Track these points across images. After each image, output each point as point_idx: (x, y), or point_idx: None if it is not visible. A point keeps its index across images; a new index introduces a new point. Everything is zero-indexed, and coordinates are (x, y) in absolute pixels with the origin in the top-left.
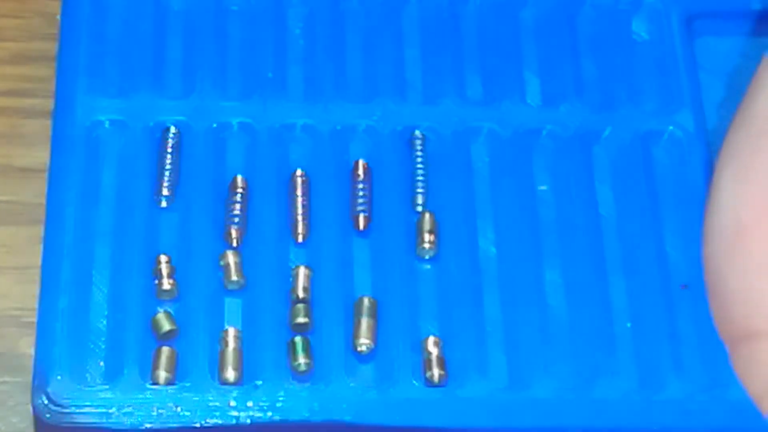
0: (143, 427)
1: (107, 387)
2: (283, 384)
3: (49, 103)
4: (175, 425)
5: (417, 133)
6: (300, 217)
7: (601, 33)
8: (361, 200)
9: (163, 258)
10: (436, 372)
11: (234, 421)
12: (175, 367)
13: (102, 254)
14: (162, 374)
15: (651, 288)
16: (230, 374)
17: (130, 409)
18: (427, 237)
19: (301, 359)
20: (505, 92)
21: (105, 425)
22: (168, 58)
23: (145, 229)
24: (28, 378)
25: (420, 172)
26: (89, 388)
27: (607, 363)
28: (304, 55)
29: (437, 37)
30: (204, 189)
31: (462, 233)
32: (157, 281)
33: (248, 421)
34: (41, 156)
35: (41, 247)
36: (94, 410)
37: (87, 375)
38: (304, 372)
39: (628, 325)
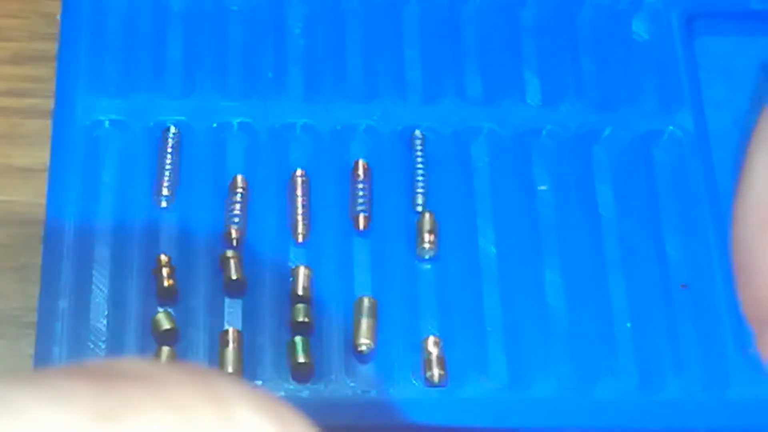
0: None
1: None
2: (283, 384)
3: (50, 103)
4: None
5: (417, 133)
6: (300, 217)
7: (601, 33)
8: (361, 200)
9: (164, 258)
10: (436, 372)
11: None
12: None
13: (102, 254)
14: None
15: (651, 288)
16: (230, 374)
17: None
18: (427, 237)
19: (301, 359)
20: (505, 92)
21: None
22: (168, 58)
23: (145, 229)
24: None
25: (420, 172)
26: None
27: (607, 363)
28: (304, 55)
29: (437, 37)
30: (204, 189)
31: (462, 233)
32: (157, 281)
33: None
34: (41, 156)
35: (41, 247)
36: None
37: None
38: (304, 372)
39: (628, 325)
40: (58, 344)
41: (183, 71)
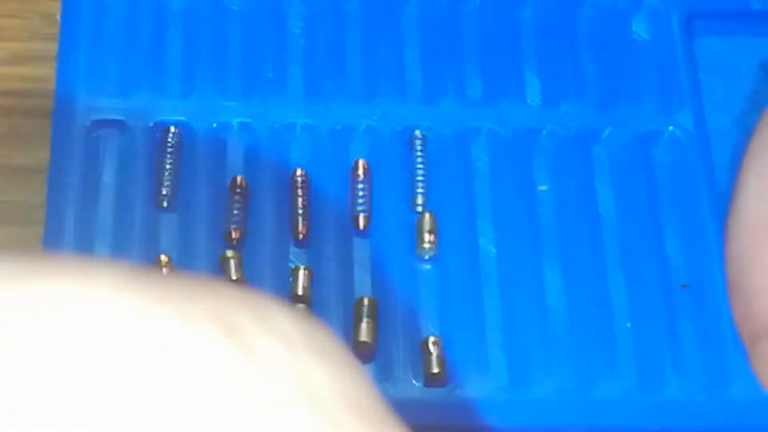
0: None
1: None
2: None
3: (50, 103)
4: None
5: (417, 133)
6: (300, 217)
7: (601, 33)
8: (361, 200)
9: (163, 258)
10: (436, 372)
11: None
12: None
13: (102, 254)
14: None
15: (651, 288)
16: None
17: None
18: (427, 237)
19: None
20: (505, 92)
21: None
22: (168, 58)
23: (145, 229)
24: None
25: (420, 172)
26: None
27: (607, 363)
28: (304, 55)
29: (437, 37)
30: (204, 189)
31: (462, 233)
32: None
33: None
34: (41, 156)
35: (41, 247)
36: None
37: None
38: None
39: (628, 325)
40: None
41: (183, 71)
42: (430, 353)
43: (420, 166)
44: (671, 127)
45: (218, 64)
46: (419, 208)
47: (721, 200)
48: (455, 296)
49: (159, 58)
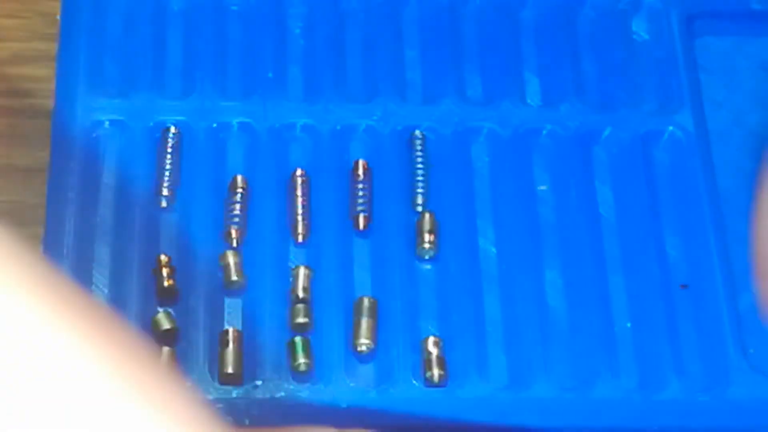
0: None
1: None
2: (283, 384)
3: (50, 103)
4: None
5: (417, 133)
6: (300, 217)
7: (601, 33)
8: (361, 200)
9: (163, 258)
10: (436, 372)
11: (234, 421)
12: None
13: (102, 254)
14: None
15: (651, 288)
16: (230, 374)
17: None
18: (427, 237)
19: (301, 359)
20: (505, 92)
21: None
22: (168, 58)
23: (145, 229)
24: None
25: (420, 172)
26: None
27: (607, 363)
28: (304, 55)
29: (437, 37)
30: (204, 189)
31: (462, 233)
32: (157, 281)
33: (246, 421)
34: (41, 156)
35: (41, 247)
36: None
37: None
38: (304, 372)
39: (628, 325)
40: None
41: (183, 71)
42: (430, 353)
43: (420, 166)
44: (671, 127)
45: (218, 64)
46: (419, 208)
47: (722, 200)
48: (455, 296)
49: (159, 58)
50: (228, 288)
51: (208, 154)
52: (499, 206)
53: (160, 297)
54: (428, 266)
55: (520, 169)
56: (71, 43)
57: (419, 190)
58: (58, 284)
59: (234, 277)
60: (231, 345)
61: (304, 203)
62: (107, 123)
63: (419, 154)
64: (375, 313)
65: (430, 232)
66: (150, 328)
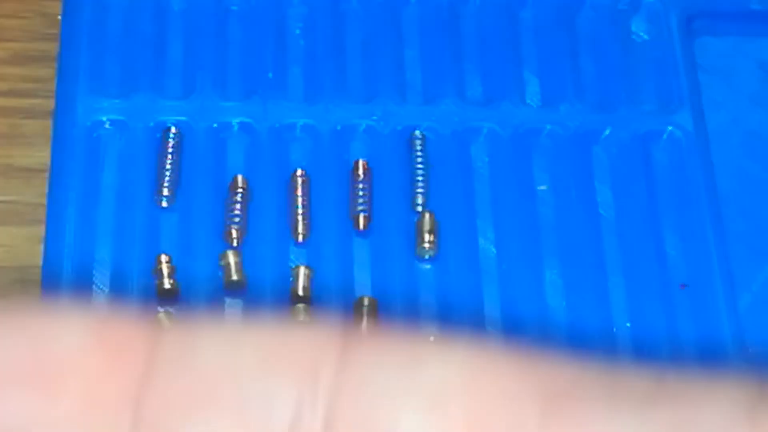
0: None
1: None
2: None
3: (50, 104)
4: None
5: (417, 133)
6: (300, 217)
7: (601, 33)
8: (361, 200)
9: (164, 258)
10: None
11: None
12: None
13: (102, 254)
14: None
15: (651, 288)
16: None
17: None
18: (427, 237)
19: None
20: (505, 92)
21: None
22: (168, 59)
23: (145, 229)
24: None
25: (420, 172)
26: None
27: (607, 363)
28: (304, 55)
29: (437, 37)
30: (204, 189)
31: (462, 233)
32: (157, 281)
33: None
34: (42, 156)
35: (41, 247)
36: None
37: None
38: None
39: (628, 325)
40: None
41: (183, 71)
42: None
43: (420, 166)
44: (671, 127)
45: (218, 64)
46: (419, 208)
47: (721, 200)
48: (455, 296)
49: (159, 58)
50: (228, 288)
51: (208, 154)
52: (499, 206)
53: (160, 297)
54: (428, 266)
55: (520, 169)
56: (72, 44)
57: (419, 190)
58: None
59: (234, 277)
60: None
61: (304, 203)
62: (108, 123)
63: (419, 154)
64: (375, 313)
65: (430, 232)
66: None
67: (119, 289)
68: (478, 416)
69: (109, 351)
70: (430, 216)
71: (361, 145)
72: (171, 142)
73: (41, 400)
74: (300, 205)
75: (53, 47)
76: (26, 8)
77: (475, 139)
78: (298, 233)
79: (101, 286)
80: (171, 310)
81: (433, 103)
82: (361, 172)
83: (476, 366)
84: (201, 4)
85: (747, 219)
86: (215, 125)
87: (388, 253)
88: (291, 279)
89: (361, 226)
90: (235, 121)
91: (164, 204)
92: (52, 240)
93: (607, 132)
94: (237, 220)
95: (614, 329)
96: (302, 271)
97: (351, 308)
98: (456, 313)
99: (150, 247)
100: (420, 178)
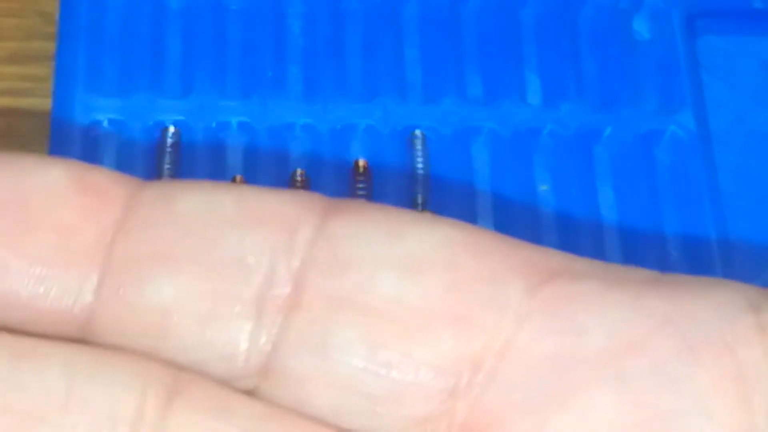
0: None
1: None
2: None
3: (48, 103)
4: None
5: (417, 132)
6: None
7: (602, 32)
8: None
9: None
10: None
11: None
12: None
13: None
14: None
15: None
16: None
17: None
18: None
19: None
20: (505, 92)
21: None
22: (167, 58)
23: None
24: None
25: (420, 171)
26: None
27: None
28: (304, 55)
29: (437, 37)
30: None
31: None
32: None
33: None
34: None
35: None
36: None
37: None
38: None
39: None
40: None
41: (182, 71)
42: None
43: (420, 165)
44: (672, 127)
45: (218, 64)
46: (419, 208)
47: (723, 200)
48: None
49: (158, 58)
50: None
51: (207, 153)
52: (499, 206)
53: None
54: None
55: (521, 169)
56: (70, 43)
57: (419, 190)
58: None
59: None
60: None
61: None
62: (106, 122)
63: (419, 153)
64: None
65: None
66: None
67: None
68: (458, 285)
69: (89, 192)
70: None
71: (361, 145)
72: (170, 142)
73: (16, 228)
74: None
75: (51, 46)
76: (23, 7)
77: (475, 139)
78: None
79: None
80: None
81: (434, 102)
82: (361, 171)
83: (459, 242)
84: (200, 3)
85: (750, 219)
86: (214, 124)
87: None
88: None
89: None
90: (235, 120)
91: None
92: None
93: (609, 131)
94: None
95: None
96: None
97: None
98: None
99: None
100: (420, 178)
